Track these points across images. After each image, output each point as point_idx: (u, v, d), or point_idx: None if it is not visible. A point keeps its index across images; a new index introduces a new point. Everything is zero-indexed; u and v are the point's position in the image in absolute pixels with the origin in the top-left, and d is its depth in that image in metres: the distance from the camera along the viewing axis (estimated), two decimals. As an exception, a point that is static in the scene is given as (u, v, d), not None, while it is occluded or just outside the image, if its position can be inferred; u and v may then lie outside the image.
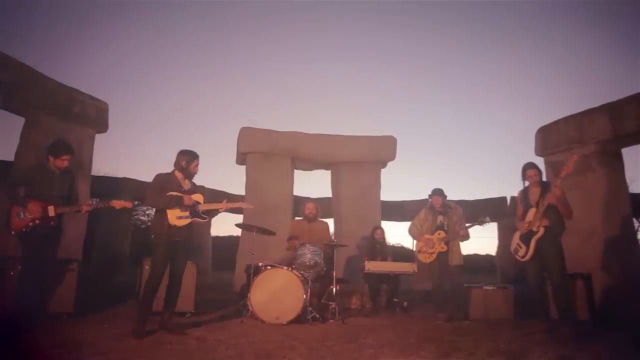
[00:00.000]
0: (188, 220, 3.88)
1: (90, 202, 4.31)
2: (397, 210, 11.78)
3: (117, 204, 4.00)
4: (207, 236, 12.52)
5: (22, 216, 3.82)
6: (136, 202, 12.88)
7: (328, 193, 9.61)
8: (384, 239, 6.74)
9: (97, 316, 4.46)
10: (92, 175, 7.68)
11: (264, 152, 8.54)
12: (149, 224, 16.48)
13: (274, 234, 5.25)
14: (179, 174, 3.97)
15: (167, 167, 4.04)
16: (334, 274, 5.04)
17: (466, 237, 5.27)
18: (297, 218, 7.11)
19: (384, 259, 6.26)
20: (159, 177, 3.94)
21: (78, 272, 4.66)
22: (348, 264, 7.52)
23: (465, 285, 5.40)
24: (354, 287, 6.22)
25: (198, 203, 3.95)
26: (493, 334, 4.04)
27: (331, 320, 4.71)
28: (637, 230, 11.94)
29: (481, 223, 5.17)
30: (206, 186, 10.25)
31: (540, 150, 7.73)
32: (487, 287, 5.34)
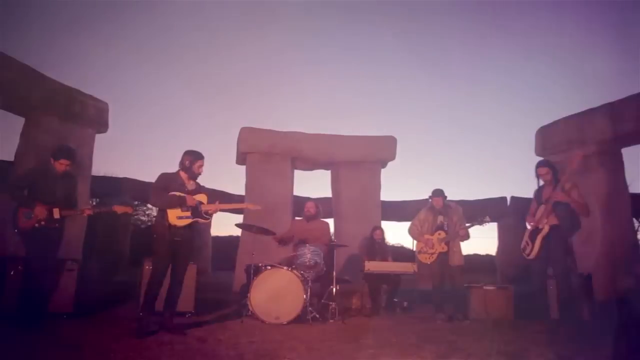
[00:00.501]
0: (189, 221, 3.87)
1: (92, 205, 4.33)
2: (397, 210, 11.76)
3: (119, 209, 4.16)
4: (207, 236, 12.51)
5: (29, 217, 3.90)
6: (136, 203, 12.88)
7: (328, 193, 9.61)
8: (383, 239, 6.73)
9: (97, 316, 4.46)
10: (92, 175, 7.68)
11: (264, 152, 8.54)
12: (149, 224, 16.50)
13: (274, 234, 5.25)
14: (183, 174, 3.97)
15: (167, 166, 4.07)
16: (334, 274, 5.04)
17: (466, 237, 5.27)
18: (297, 218, 7.12)
19: (384, 259, 6.25)
20: (163, 177, 3.94)
21: (78, 272, 4.66)
22: (348, 264, 7.51)
23: (465, 285, 5.40)
24: (354, 287, 6.22)
25: (201, 203, 3.94)
26: (493, 334, 4.04)
27: (331, 320, 4.71)
28: (637, 230, 11.94)
29: (481, 223, 5.17)
30: (206, 186, 10.25)
31: (540, 150, 7.74)
32: (487, 287, 5.34)
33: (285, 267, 4.67)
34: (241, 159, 8.86)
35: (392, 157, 9.04)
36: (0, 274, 4.33)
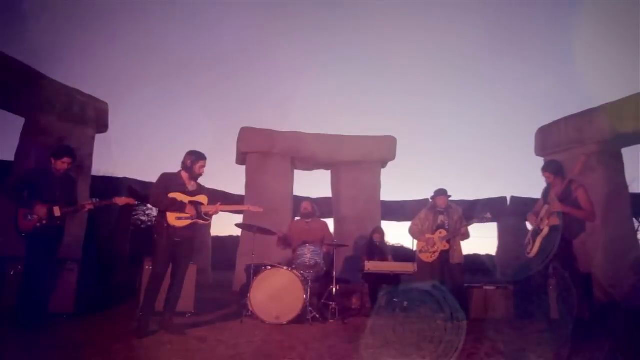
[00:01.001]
0: (188, 222, 3.85)
1: (92, 200, 4.32)
2: (397, 210, 11.78)
3: (120, 200, 4.13)
4: (207, 236, 12.51)
5: (29, 217, 3.91)
6: (137, 202, 12.87)
7: (328, 193, 9.62)
8: (382, 240, 6.73)
9: (97, 316, 4.46)
10: (92, 175, 7.68)
11: (264, 152, 8.54)
12: (149, 224, 16.50)
13: (274, 234, 5.25)
14: (184, 174, 3.95)
15: (167, 166, 4.07)
16: (334, 274, 5.04)
17: (467, 235, 5.28)
18: (296, 218, 7.11)
19: (384, 259, 6.25)
20: (164, 177, 3.92)
21: (78, 272, 4.66)
22: (348, 264, 7.52)
23: (465, 285, 5.40)
24: (354, 287, 6.22)
25: (201, 204, 3.92)
26: (493, 334, 4.04)
27: (331, 320, 4.71)
28: (637, 230, 11.93)
29: (482, 220, 5.18)
30: (206, 186, 10.26)
31: (540, 150, 7.74)
32: (487, 287, 5.34)
33: (285, 267, 4.67)
34: (241, 159, 8.86)
35: (392, 157, 9.04)
36: (0, 274, 4.34)
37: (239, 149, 8.70)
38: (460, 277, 5.25)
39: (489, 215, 5.13)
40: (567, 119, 7.24)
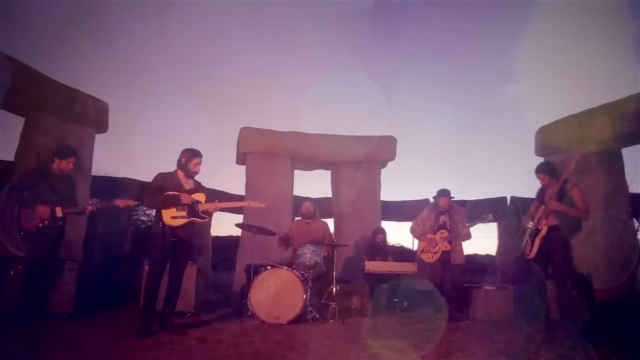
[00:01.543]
0: (184, 220, 3.79)
1: (92, 201, 4.32)
2: (397, 210, 11.76)
3: (121, 202, 4.12)
4: (207, 236, 12.51)
5: (31, 218, 3.90)
6: (137, 202, 12.85)
7: (328, 193, 9.61)
8: (384, 241, 6.75)
9: (97, 316, 4.47)
10: (92, 175, 7.67)
11: (264, 152, 8.53)
12: (149, 223, 16.45)
13: (274, 234, 5.25)
14: (180, 173, 3.92)
15: (167, 166, 4.01)
16: (334, 274, 5.04)
17: (468, 236, 5.28)
18: (296, 218, 7.11)
19: (384, 259, 6.26)
20: (159, 177, 3.89)
21: (78, 272, 4.66)
22: (348, 264, 7.51)
23: (465, 285, 5.40)
24: (354, 287, 6.22)
25: (198, 202, 3.87)
26: (493, 334, 4.04)
27: (331, 320, 4.71)
28: (637, 230, 11.92)
29: (484, 220, 5.17)
30: (206, 186, 10.24)
31: (540, 150, 7.74)
32: (487, 287, 5.34)
33: (285, 267, 4.67)
34: (241, 159, 8.85)
35: (392, 157, 9.03)
36: (0, 274, 4.34)
37: (239, 149, 8.69)
38: (460, 277, 5.26)
39: (490, 216, 5.13)
40: (567, 119, 7.24)
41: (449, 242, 5.16)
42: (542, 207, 4.22)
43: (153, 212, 4.60)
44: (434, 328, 4.39)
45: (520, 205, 8.89)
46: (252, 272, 4.70)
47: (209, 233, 12.73)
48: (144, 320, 3.64)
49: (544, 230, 4.15)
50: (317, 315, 4.66)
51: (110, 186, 10.21)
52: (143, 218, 18.08)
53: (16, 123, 6.57)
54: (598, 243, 6.27)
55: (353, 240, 7.45)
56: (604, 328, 4.37)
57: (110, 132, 7.78)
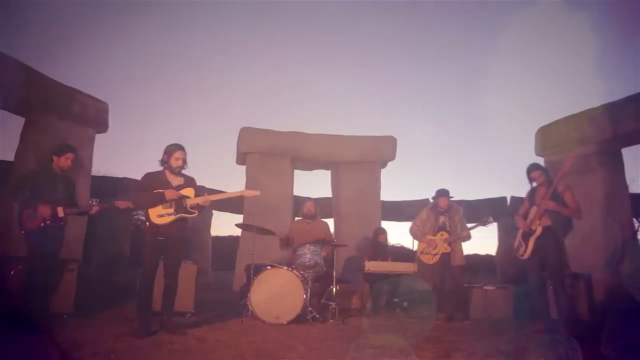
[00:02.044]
0: (171, 218, 3.72)
1: (92, 202, 4.32)
2: (397, 210, 11.77)
3: (122, 204, 4.10)
4: (207, 236, 12.52)
5: (33, 217, 3.90)
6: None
7: (328, 193, 9.62)
8: (386, 240, 6.76)
9: (97, 316, 4.46)
10: (92, 175, 7.68)
11: (264, 152, 8.54)
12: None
13: (274, 234, 5.25)
14: (167, 171, 3.85)
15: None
16: (334, 274, 5.04)
17: (468, 237, 5.27)
18: (296, 218, 7.11)
19: (384, 260, 6.26)
20: (145, 177, 3.84)
21: (78, 272, 4.66)
22: (348, 264, 7.51)
23: (465, 285, 5.40)
24: (354, 287, 6.22)
25: (186, 197, 3.78)
26: (493, 334, 4.04)
27: (331, 320, 4.71)
28: (637, 230, 11.93)
29: (485, 223, 5.16)
30: (206, 186, 10.25)
31: (540, 150, 7.74)
32: (487, 287, 5.34)
33: (285, 267, 4.67)
34: (241, 159, 8.86)
35: (392, 157, 9.04)
36: (0, 274, 4.34)
37: (239, 149, 8.70)
38: (460, 278, 5.25)
39: (491, 219, 5.12)
40: (567, 119, 7.24)
41: (449, 244, 5.16)
42: (534, 207, 4.24)
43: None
44: (434, 328, 4.39)
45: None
46: (252, 272, 4.69)
47: (209, 233, 12.76)
48: (143, 320, 3.63)
49: (539, 230, 4.17)
50: (317, 315, 4.66)
51: (110, 186, 10.22)
52: (143, 218, 18.06)
53: (16, 123, 6.58)
54: (598, 243, 6.27)
55: (353, 240, 7.45)
56: (603, 328, 4.37)
57: (110, 132, 7.80)
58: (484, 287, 5.32)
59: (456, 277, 5.19)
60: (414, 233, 5.54)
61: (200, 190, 3.94)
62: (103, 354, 2.94)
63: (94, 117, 7.35)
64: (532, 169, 4.38)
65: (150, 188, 3.76)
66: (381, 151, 8.93)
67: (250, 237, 5.16)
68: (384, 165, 9.16)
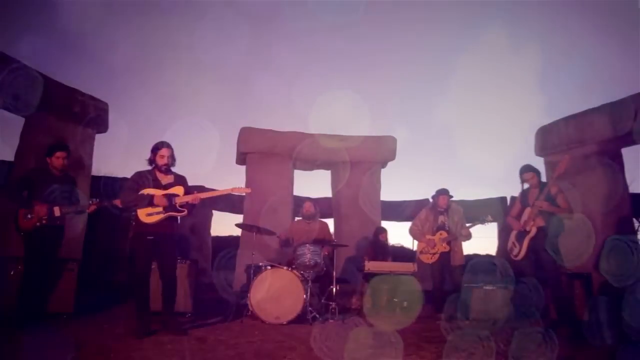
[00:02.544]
0: (160, 217, 3.70)
1: (92, 201, 4.31)
2: (397, 210, 11.78)
3: (119, 202, 4.06)
4: (207, 236, 12.52)
5: (29, 217, 3.90)
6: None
7: (328, 193, 9.62)
8: (387, 239, 6.77)
9: (97, 316, 4.46)
10: (92, 175, 7.68)
11: (264, 152, 8.54)
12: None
13: (274, 234, 5.25)
14: (157, 170, 3.84)
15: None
16: (334, 274, 5.04)
17: (468, 237, 5.28)
18: (296, 218, 7.12)
19: (385, 259, 6.27)
20: (134, 176, 3.82)
21: (78, 272, 4.66)
22: (348, 263, 7.52)
23: (465, 285, 5.40)
24: (354, 287, 6.23)
25: (175, 196, 3.76)
26: (493, 334, 4.04)
27: (331, 320, 4.71)
28: (637, 230, 11.93)
29: (483, 222, 5.17)
30: (206, 186, 10.25)
31: (540, 150, 7.74)
32: (487, 287, 5.34)
33: (285, 267, 4.67)
34: (241, 159, 8.86)
35: (392, 157, 9.04)
36: (0, 274, 4.34)
37: (239, 149, 8.69)
38: (460, 278, 5.26)
39: (489, 218, 5.13)
40: (567, 119, 7.24)
41: (448, 243, 5.17)
42: (528, 208, 4.27)
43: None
44: (434, 328, 4.39)
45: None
46: (252, 272, 4.70)
47: (209, 233, 12.77)
48: (142, 320, 3.63)
49: (533, 231, 4.20)
50: (317, 315, 4.66)
51: (110, 186, 10.21)
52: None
53: (16, 123, 6.58)
54: (598, 243, 6.27)
55: (353, 240, 7.45)
56: (602, 328, 4.37)
57: (110, 132, 7.79)
58: (484, 287, 5.32)
59: (456, 277, 5.20)
60: (413, 233, 5.55)
61: (190, 189, 3.90)
62: (103, 354, 2.94)
63: (94, 117, 7.35)
64: (524, 170, 4.43)
65: (140, 187, 3.74)
66: (381, 151, 8.93)
67: (250, 237, 5.17)
68: (384, 165, 9.16)
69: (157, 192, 3.75)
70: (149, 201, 3.69)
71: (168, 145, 3.82)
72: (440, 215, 5.32)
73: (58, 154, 4.15)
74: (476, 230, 5.31)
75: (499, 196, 11.52)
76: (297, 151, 8.68)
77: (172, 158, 3.86)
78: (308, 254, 4.84)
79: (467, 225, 5.27)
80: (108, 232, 11.11)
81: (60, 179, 4.20)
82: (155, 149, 3.80)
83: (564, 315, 4.14)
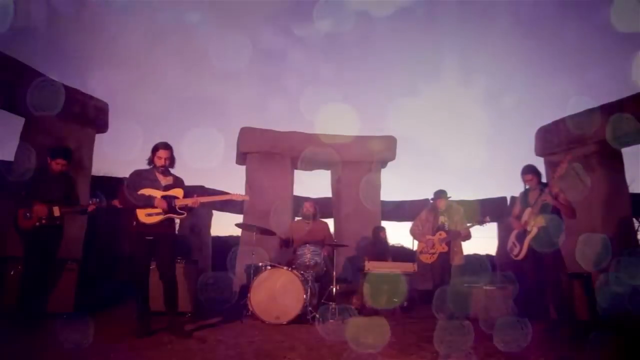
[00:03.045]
0: (159, 217, 3.69)
1: (92, 201, 4.29)
2: (397, 210, 11.77)
3: (119, 203, 4.05)
4: (207, 236, 12.52)
5: (28, 217, 3.90)
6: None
7: (328, 193, 9.61)
8: (386, 238, 6.77)
9: (97, 316, 4.47)
10: (92, 175, 7.68)
11: (264, 152, 8.53)
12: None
13: (274, 234, 5.25)
14: (155, 170, 3.83)
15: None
16: (334, 274, 5.04)
17: (468, 237, 5.28)
18: (297, 218, 7.11)
19: (385, 258, 6.26)
20: (133, 174, 3.81)
21: (78, 272, 4.66)
22: (348, 264, 7.52)
23: (465, 285, 5.40)
24: (354, 287, 6.23)
25: (175, 198, 3.76)
26: (493, 334, 4.04)
27: (331, 320, 4.71)
28: (637, 230, 11.92)
29: (481, 223, 5.17)
30: (206, 186, 10.24)
31: (540, 150, 7.74)
32: (487, 287, 5.34)
33: (285, 267, 4.67)
34: (241, 159, 8.85)
35: (392, 157, 9.03)
36: (0, 274, 4.34)
37: (239, 149, 8.69)
38: (461, 277, 5.26)
39: (487, 218, 5.13)
40: (567, 119, 7.24)
41: (447, 244, 5.17)
42: (529, 209, 4.28)
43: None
44: (434, 328, 4.39)
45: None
46: (252, 272, 4.70)
47: (209, 233, 12.76)
48: (142, 320, 3.63)
49: (534, 231, 4.20)
50: (317, 315, 4.66)
51: (110, 186, 10.21)
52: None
53: (16, 123, 6.57)
54: (598, 243, 6.26)
55: (353, 240, 7.45)
56: (603, 328, 4.37)
57: (110, 132, 7.79)
58: (484, 287, 5.33)
59: (455, 277, 5.20)
60: (413, 233, 5.56)
61: (190, 191, 3.89)
62: (103, 354, 2.94)
63: (94, 117, 7.34)
64: (524, 172, 4.44)
65: (139, 186, 3.73)
66: (381, 151, 8.93)
67: (250, 237, 5.17)
68: (384, 165, 9.16)
69: (157, 193, 3.74)
70: (149, 202, 3.67)
71: (166, 147, 3.79)
72: (440, 215, 5.33)
73: (59, 160, 4.16)
74: (477, 230, 5.31)
75: (499, 196, 11.52)
76: (297, 151, 8.67)
77: (171, 159, 3.83)
78: (308, 254, 4.84)
79: (468, 225, 5.27)
80: (108, 232, 11.11)
81: (60, 179, 4.21)
82: (154, 149, 3.79)
83: (564, 315, 4.14)
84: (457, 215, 5.31)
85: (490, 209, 10.35)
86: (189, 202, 3.76)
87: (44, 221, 3.97)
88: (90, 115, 7.27)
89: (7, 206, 4.18)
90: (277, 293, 4.46)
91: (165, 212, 3.70)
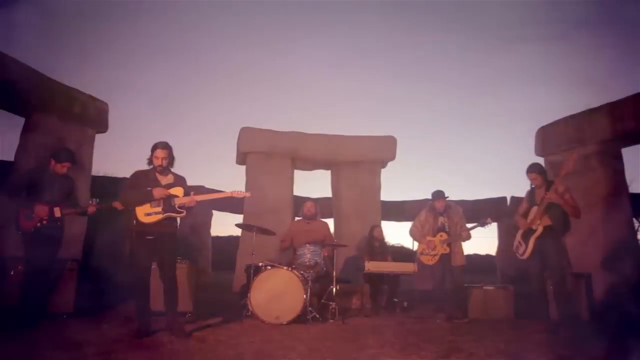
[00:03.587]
0: (159, 217, 3.66)
1: (92, 202, 4.31)
2: (397, 210, 11.78)
3: (120, 205, 4.04)
4: (207, 236, 12.52)
5: (30, 217, 3.90)
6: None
7: (328, 193, 9.62)
8: (383, 238, 6.74)
9: (97, 316, 4.46)
10: (92, 175, 7.68)
11: (264, 152, 8.54)
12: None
13: (274, 234, 5.25)
14: (155, 170, 3.81)
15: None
16: (334, 274, 5.04)
17: (468, 237, 5.27)
18: (297, 218, 7.11)
19: (384, 259, 6.26)
20: (134, 175, 3.80)
21: (78, 272, 4.66)
22: (348, 264, 7.52)
23: (465, 285, 5.40)
24: (354, 287, 6.23)
25: (175, 196, 3.73)
26: (493, 334, 4.04)
27: (331, 320, 4.71)
28: (637, 230, 11.93)
29: (483, 224, 5.16)
30: (206, 186, 10.24)
31: (541, 150, 7.74)
32: (487, 287, 5.34)
33: (285, 267, 4.66)
34: (241, 159, 8.86)
35: (392, 157, 9.04)
36: (0, 274, 4.34)
37: (239, 149, 8.70)
38: (461, 278, 5.25)
39: (489, 220, 5.12)
40: (567, 119, 7.25)
41: (448, 245, 5.16)
42: (535, 207, 4.26)
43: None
44: (434, 328, 4.39)
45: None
46: (252, 272, 4.70)
47: (209, 233, 12.76)
48: (143, 321, 3.62)
49: (540, 229, 4.18)
50: (317, 315, 4.66)
51: (110, 186, 10.21)
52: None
53: (16, 123, 6.57)
54: (598, 243, 6.27)
55: (353, 240, 7.44)
56: (603, 328, 4.37)
57: (110, 132, 7.79)
58: (484, 287, 5.33)
59: (457, 278, 5.19)
60: (413, 234, 5.54)
61: (190, 189, 3.86)
62: (103, 354, 2.94)
63: (94, 117, 7.35)
64: (528, 171, 4.42)
65: (139, 186, 3.72)
66: (381, 151, 8.94)
67: (250, 237, 5.16)
68: (384, 165, 9.17)
69: None
70: (149, 196, 3.64)
71: (164, 147, 3.76)
72: (440, 216, 5.31)
73: (65, 163, 4.16)
74: (477, 230, 5.29)
75: (499, 196, 11.52)
76: (297, 151, 8.69)
77: (169, 159, 3.80)
78: (308, 254, 4.84)
79: (468, 225, 5.26)
80: (108, 232, 11.10)
81: (60, 179, 4.21)
82: (152, 149, 3.77)
83: (566, 315, 4.14)
84: (457, 216, 5.29)
85: (491, 209, 10.36)
86: (185, 200, 3.73)
87: (45, 222, 3.96)
88: (90, 115, 7.27)
89: (7, 206, 4.18)
90: (277, 293, 4.45)
91: (164, 210, 3.69)
